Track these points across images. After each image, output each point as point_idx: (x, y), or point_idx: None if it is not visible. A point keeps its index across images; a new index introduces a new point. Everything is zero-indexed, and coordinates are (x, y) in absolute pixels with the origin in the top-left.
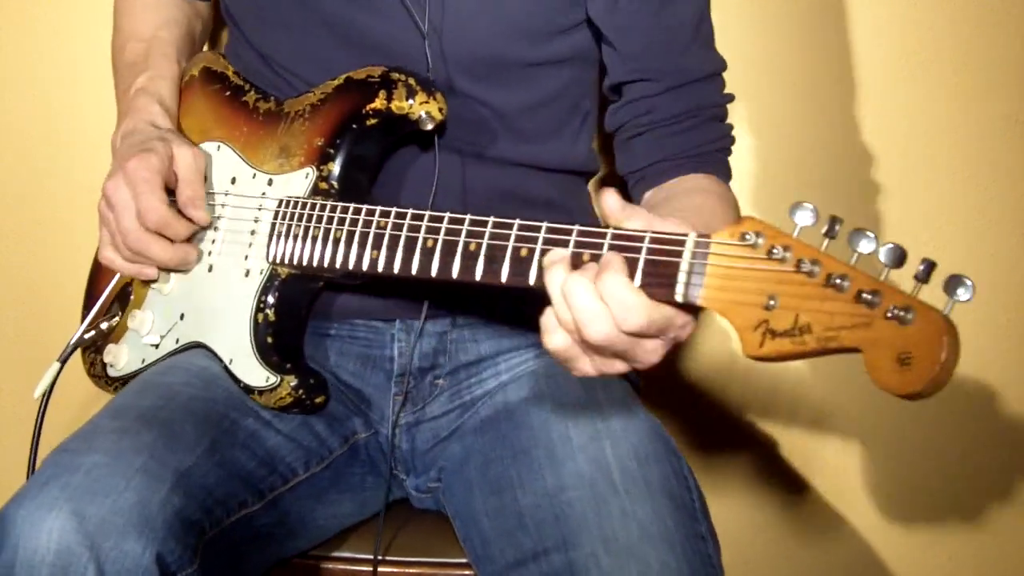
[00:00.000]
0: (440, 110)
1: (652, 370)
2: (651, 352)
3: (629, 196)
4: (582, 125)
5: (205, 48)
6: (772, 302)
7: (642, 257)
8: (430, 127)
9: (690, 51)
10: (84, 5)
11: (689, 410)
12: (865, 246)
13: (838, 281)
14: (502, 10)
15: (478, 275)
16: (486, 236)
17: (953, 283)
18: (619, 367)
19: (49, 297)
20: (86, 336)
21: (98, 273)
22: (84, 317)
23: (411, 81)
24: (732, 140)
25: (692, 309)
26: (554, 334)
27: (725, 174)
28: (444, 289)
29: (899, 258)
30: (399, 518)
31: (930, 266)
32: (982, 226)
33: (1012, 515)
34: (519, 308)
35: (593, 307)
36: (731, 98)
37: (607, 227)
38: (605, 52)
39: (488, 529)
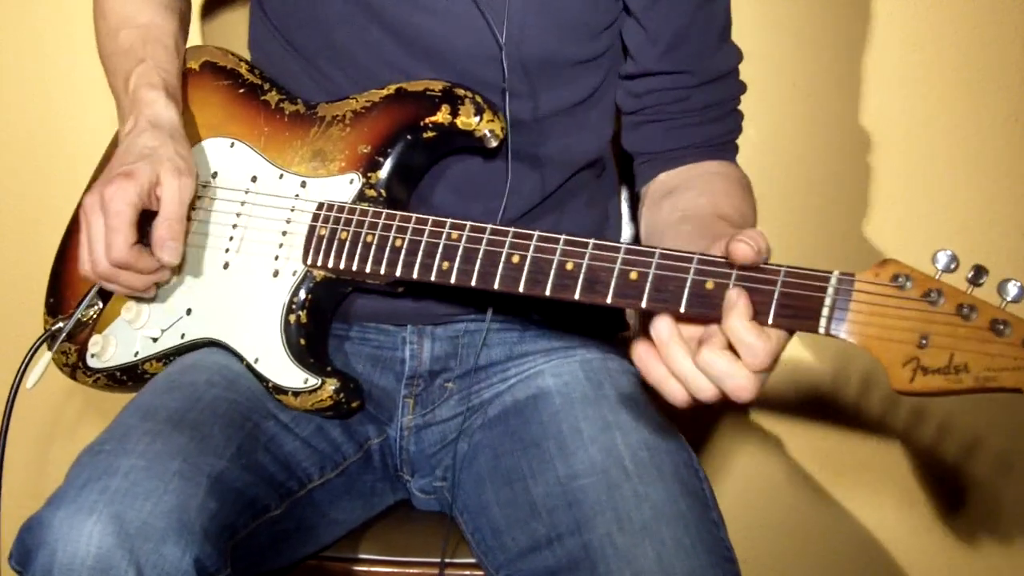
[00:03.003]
0: (502, 128)
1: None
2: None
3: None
4: (607, 119)
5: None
6: (924, 341)
7: (777, 290)
8: (493, 144)
9: (722, 47)
10: (84, 5)
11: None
12: (1012, 292)
13: (1000, 327)
14: (560, 11)
15: (577, 294)
16: (586, 256)
17: None
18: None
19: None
20: (60, 325)
21: (67, 261)
22: (48, 302)
23: (478, 99)
24: (741, 128)
25: None
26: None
27: (734, 156)
28: (457, 295)
29: None
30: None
31: None
32: (982, 226)
33: (1013, 517)
34: (531, 315)
35: (729, 370)
36: (745, 88)
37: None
38: (633, 37)
39: (499, 519)
